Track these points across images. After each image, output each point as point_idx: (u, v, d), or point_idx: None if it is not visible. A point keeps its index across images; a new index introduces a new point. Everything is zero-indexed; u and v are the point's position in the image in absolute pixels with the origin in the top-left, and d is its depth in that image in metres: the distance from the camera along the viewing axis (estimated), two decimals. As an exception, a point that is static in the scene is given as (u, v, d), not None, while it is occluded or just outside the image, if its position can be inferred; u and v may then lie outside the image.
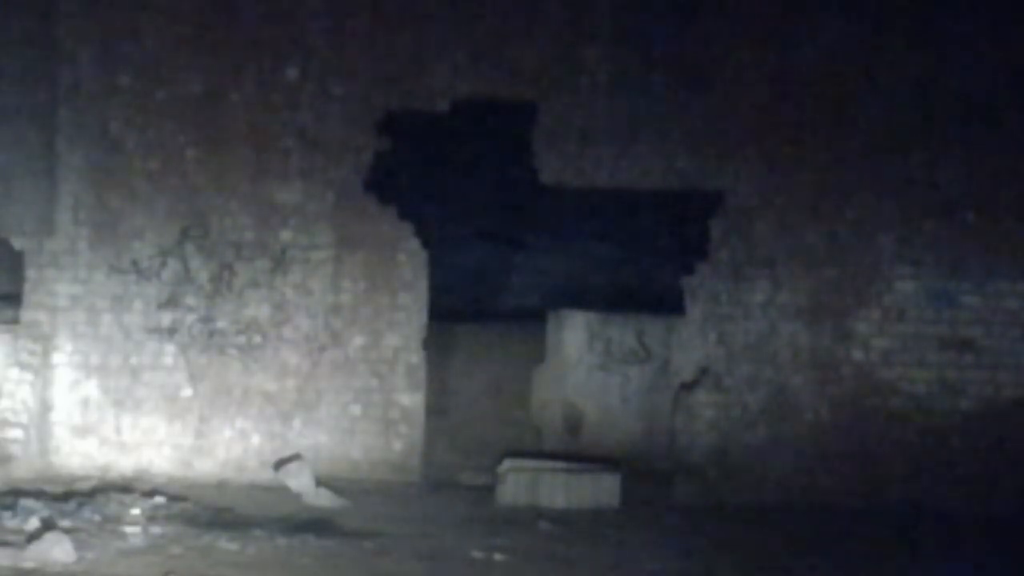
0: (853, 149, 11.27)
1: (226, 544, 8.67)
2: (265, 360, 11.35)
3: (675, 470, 11.39)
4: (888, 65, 11.22)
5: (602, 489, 10.80)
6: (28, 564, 7.85)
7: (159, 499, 10.10)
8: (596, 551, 9.16)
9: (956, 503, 10.97)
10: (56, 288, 11.32)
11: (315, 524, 9.55)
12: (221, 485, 11.06)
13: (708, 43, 11.28)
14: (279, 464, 11.05)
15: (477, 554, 8.74)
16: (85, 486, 10.55)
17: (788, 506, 10.93)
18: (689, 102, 11.29)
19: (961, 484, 11.11)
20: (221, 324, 11.35)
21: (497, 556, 8.71)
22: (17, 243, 11.32)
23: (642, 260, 13.10)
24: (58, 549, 8.01)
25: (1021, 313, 11.29)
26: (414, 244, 11.39)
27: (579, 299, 13.10)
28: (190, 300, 11.34)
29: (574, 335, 12.80)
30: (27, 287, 11.33)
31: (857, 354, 11.28)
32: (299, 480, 10.70)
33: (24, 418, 10.95)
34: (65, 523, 8.94)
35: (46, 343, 11.27)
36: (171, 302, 11.33)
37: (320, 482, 10.71)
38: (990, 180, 11.25)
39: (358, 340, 11.37)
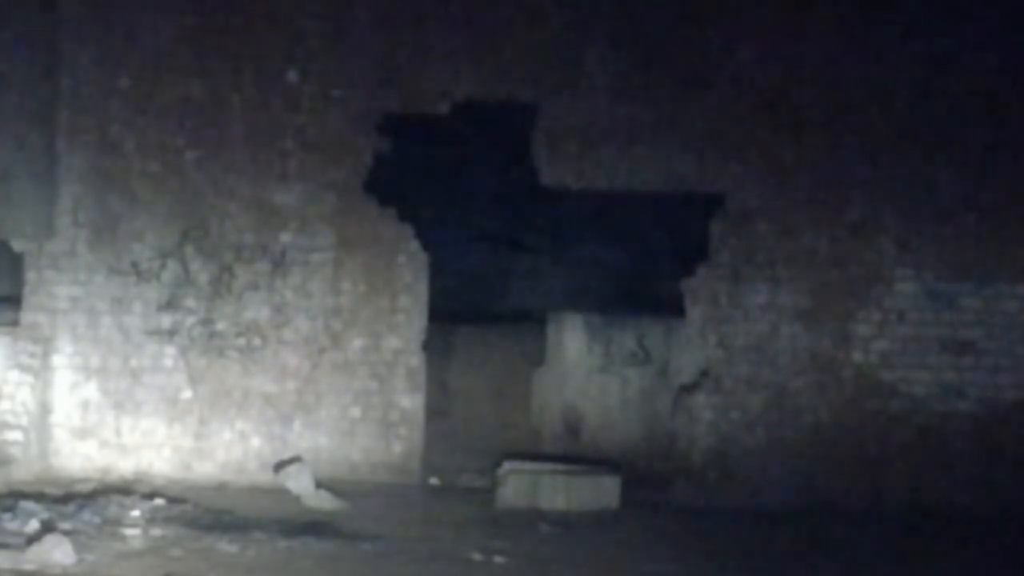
0: (853, 150, 11.28)
1: (226, 546, 8.68)
2: (265, 362, 11.35)
3: (675, 472, 11.39)
4: (888, 65, 11.23)
5: (602, 491, 10.79)
6: (28, 566, 7.85)
7: (159, 501, 10.09)
8: (596, 553, 9.16)
9: (956, 504, 10.97)
10: (56, 290, 11.31)
11: (315, 526, 9.54)
12: (221, 487, 11.05)
13: (708, 44, 11.28)
14: (279, 466, 11.04)
15: (477, 556, 8.74)
16: (85, 488, 10.55)
17: (788, 508, 10.92)
18: (689, 104, 11.29)
19: (961, 486, 11.10)
20: (221, 326, 11.34)
21: (497, 558, 8.71)
22: (17, 245, 11.30)
23: (642, 262, 13.09)
24: (58, 551, 8.02)
25: (1021, 315, 11.28)
26: (414, 246, 11.39)
27: (579, 301, 13.10)
28: (190, 302, 11.33)
29: (574, 337, 12.80)
30: (27, 289, 11.32)
31: (857, 356, 11.28)
32: (299, 482, 10.69)
33: (24, 420, 10.94)
34: (65, 525, 8.93)
35: (46, 345, 11.26)
36: (171, 304, 11.33)
37: (320, 484, 10.69)
38: (990, 182, 11.25)
39: (358, 342, 11.37)
